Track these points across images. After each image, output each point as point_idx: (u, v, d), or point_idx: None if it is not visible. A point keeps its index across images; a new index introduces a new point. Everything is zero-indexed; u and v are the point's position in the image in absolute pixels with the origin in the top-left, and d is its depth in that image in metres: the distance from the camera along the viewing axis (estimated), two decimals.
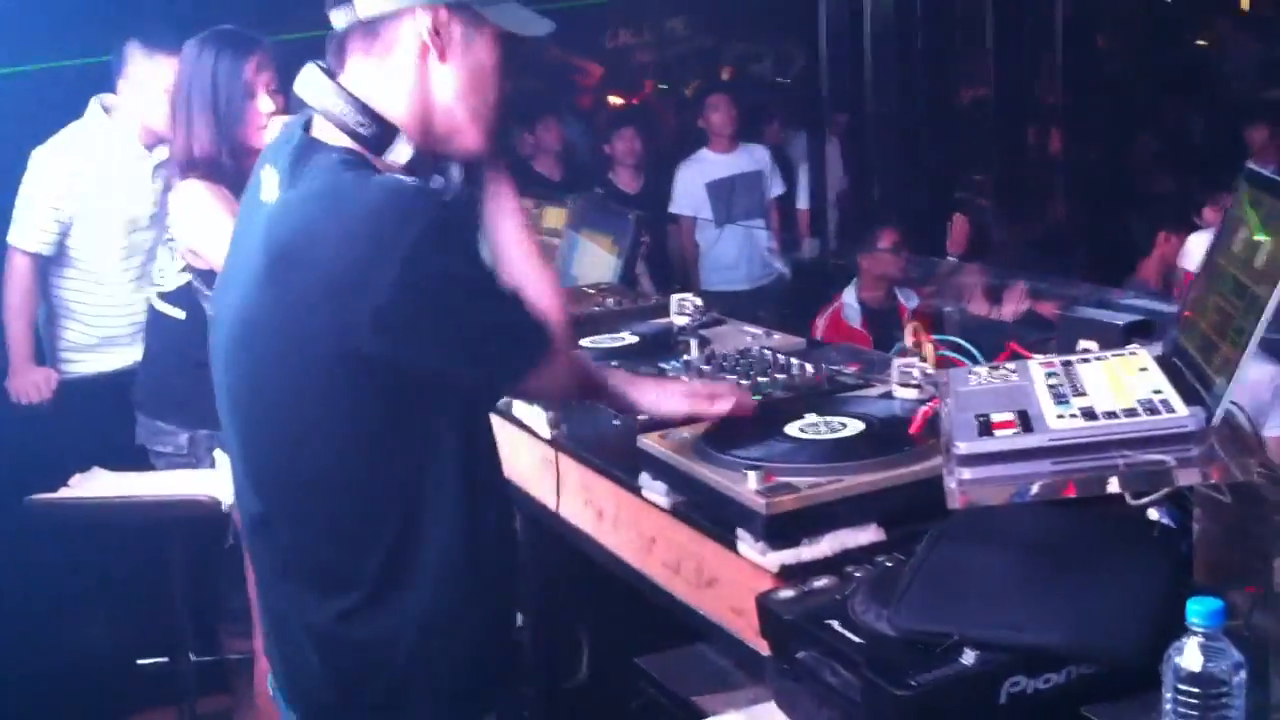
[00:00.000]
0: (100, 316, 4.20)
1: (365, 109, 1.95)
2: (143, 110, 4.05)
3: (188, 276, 3.48)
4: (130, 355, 4.08)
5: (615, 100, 9.86)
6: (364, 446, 1.95)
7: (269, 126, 3.06)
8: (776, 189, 6.97)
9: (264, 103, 3.13)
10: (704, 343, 2.98)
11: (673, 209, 6.92)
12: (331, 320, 1.85)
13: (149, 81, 3.98)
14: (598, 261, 4.10)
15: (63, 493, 3.66)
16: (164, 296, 3.75)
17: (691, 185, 6.92)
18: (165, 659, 3.88)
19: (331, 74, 2.00)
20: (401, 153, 1.97)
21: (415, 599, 1.99)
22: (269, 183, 1.98)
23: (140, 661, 3.98)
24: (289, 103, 3.17)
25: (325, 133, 1.98)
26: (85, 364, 4.26)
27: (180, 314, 3.70)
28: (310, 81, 2.00)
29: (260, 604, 2.22)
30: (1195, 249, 4.92)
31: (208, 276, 3.16)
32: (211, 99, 3.10)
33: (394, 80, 1.98)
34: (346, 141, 1.96)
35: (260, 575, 2.17)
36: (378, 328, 1.84)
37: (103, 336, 4.22)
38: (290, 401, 1.95)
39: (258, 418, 2.01)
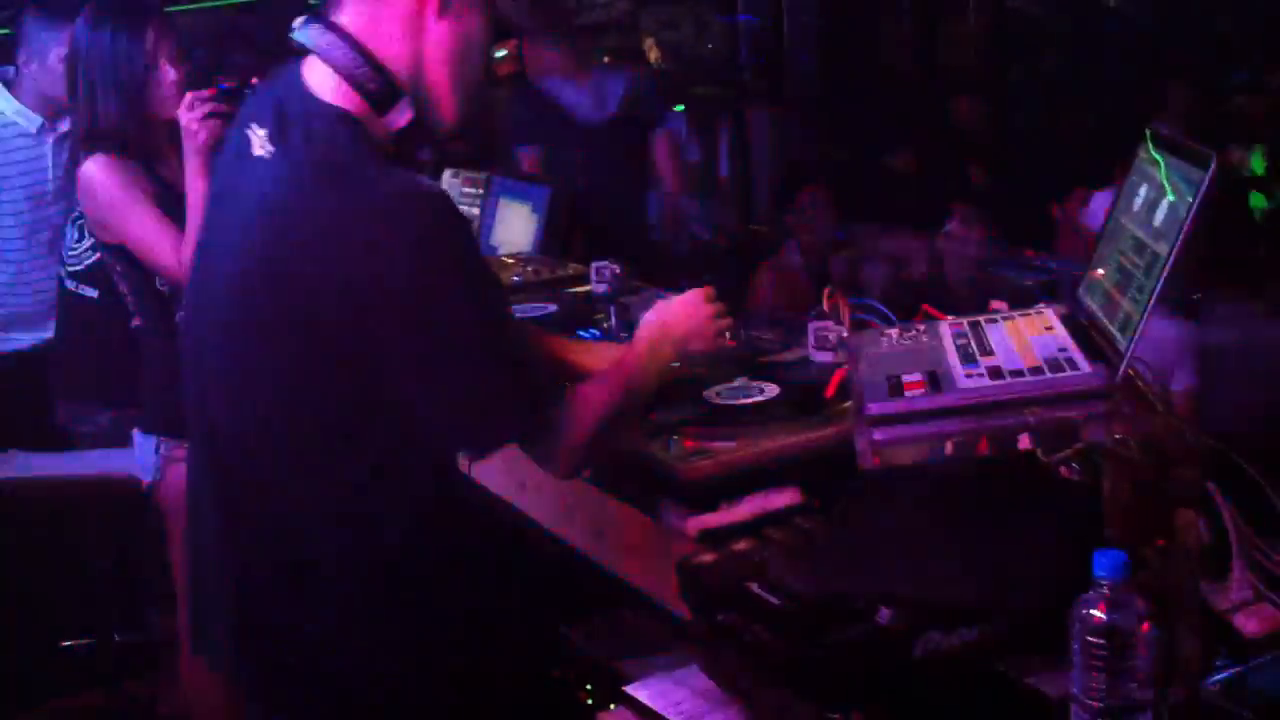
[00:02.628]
0: (10, 294, 4.13)
1: (372, 61, 1.85)
2: (43, 82, 3.98)
3: (97, 255, 3.43)
4: (42, 333, 4.02)
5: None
6: (332, 432, 1.86)
7: (174, 96, 3.01)
8: (691, 155, 6.97)
9: (167, 72, 3.08)
10: (622, 310, 2.98)
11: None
12: (329, 310, 1.77)
13: (49, 52, 3.91)
14: (516, 230, 4.09)
15: None
16: (75, 276, 3.70)
17: None
18: (90, 640, 3.84)
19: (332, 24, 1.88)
20: (402, 115, 1.89)
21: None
22: (256, 139, 1.87)
23: (64, 644, 3.93)
24: (193, 71, 3.13)
25: (322, 85, 1.87)
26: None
27: (93, 293, 3.65)
28: (313, 28, 1.88)
29: (237, 607, 2.02)
30: (1098, 208, 4.98)
31: (117, 251, 3.11)
32: (113, 71, 3.04)
33: (393, 34, 1.88)
34: (343, 97, 1.86)
35: (242, 571, 2.00)
36: (370, 337, 1.77)
37: (12, 314, 4.14)
38: (281, 368, 1.85)
39: (251, 381, 1.90)
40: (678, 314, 2.23)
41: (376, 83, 1.86)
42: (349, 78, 1.86)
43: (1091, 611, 1.49)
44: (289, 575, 1.94)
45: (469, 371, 1.84)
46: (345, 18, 1.88)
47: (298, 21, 1.91)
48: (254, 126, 1.90)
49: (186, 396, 2.04)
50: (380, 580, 1.93)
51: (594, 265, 3.30)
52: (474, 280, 1.85)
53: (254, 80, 3.06)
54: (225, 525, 1.99)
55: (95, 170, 3.05)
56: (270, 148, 1.86)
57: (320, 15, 1.90)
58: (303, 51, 1.91)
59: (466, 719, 2.04)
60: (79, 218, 3.52)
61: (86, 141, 3.09)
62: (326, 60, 1.87)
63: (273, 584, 1.95)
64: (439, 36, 1.90)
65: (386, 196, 1.78)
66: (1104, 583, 1.49)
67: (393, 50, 1.88)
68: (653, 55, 9.72)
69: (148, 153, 3.09)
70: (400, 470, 1.91)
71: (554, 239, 4.06)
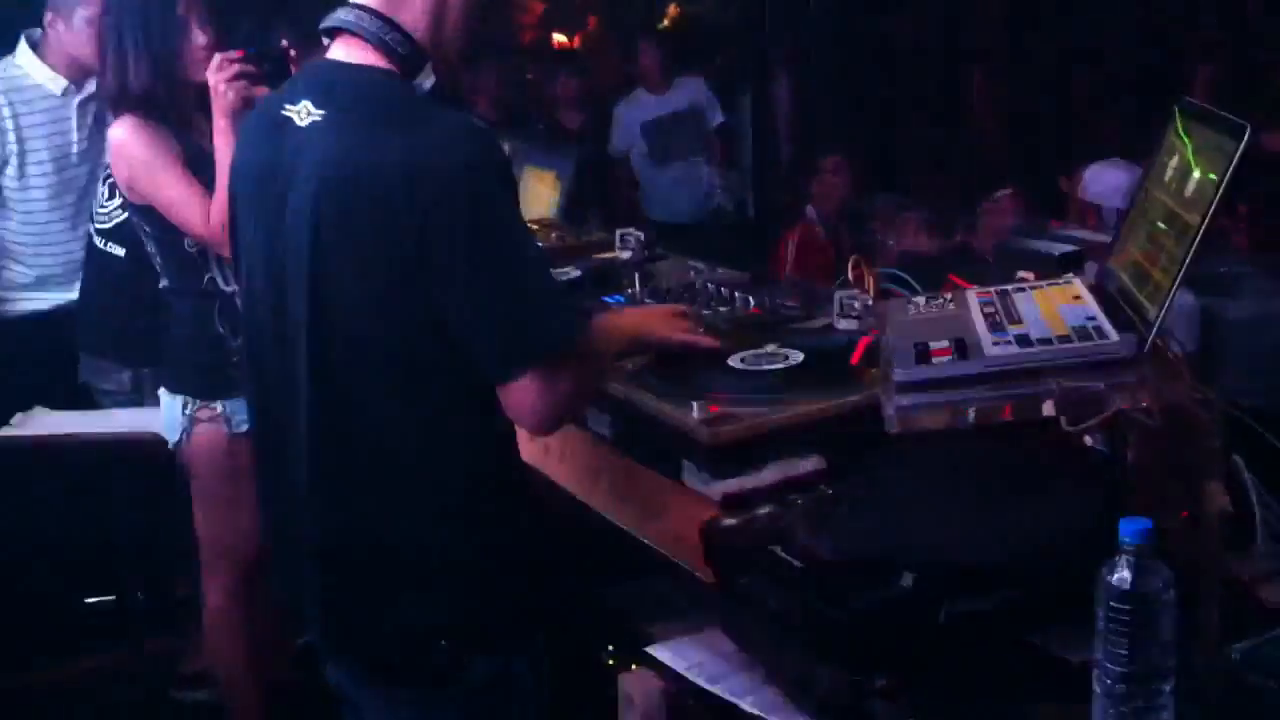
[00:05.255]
0: (36, 255, 4.15)
1: (400, 28, 1.96)
2: (69, 43, 3.99)
3: (126, 214, 3.44)
4: (68, 293, 4.04)
5: (558, 38, 9.79)
6: (410, 358, 1.96)
7: (203, 59, 3.02)
8: (715, 119, 6.95)
9: (197, 35, 3.08)
10: (647, 277, 2.99)
11: (611, 148, 6.92)
12: (393, 231, 1.87)
13: (75, 13, 3.92)
14: (541, 197, 4.10)
15: (4, 431, 3.63)
16: (102, 234, 3.72)
17: (629, 124, 6.92)
18: (112, 598, 3.87)
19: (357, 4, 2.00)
20: (428, 78, 1.98)
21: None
22: (297, 113, 1.98)
23: (87, 600, 3.96)
24: (219, 38, 3.13)
25: (356, 56, 1.98)
26: (24, 303, 4.21)
27: (120, 251, 3.66)
28: (340, 11, 2.00)
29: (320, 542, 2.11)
30: (1091, 181, 4.97)
31: (146, 213, 3.13)
32: (144, 34, 3.04)
33: (415, 3, 1.99)
34: (378, 61, 1.96)
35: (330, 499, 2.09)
36: (432, 249, 1.86)
37: (39, 275, 4.17)
38: (362, 301, 1.95)
39: (330, 335, 1.98)
40: (658, 322, 2.42)
41: (405, 47, 1.96)
42: (380, 44, 1.96)
43: (1117, 577, 1.50)
44: (378, 497, 2.04)
45: (509, 288, 1.91)
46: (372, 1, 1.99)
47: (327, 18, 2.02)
48: (289, 106, 2.00)
49: (250, 356, 2.15)
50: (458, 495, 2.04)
51: (619, 232, 3.31)
52: (518, 211, 1.96)
53: (284, 43, 3.08)
54: (316, 460, 2.05)
55: (125, 132, 3.06)
56: (318, 113, 1.96)
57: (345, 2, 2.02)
58: (332, 35, 2.02)
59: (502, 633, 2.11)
60: (109, 176, 3.53)
61: (116, 103, 3.09)
62: (358, 32, 1.97)
63: (362, 512, 2.05)
64: (458, 3, 2.02)
65: (444, 130, 1.90)
66: (1129, 549, 1.50)
67: (414, 18, 1.98)
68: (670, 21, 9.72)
69: (177, 115, 3.10)
70: (464, 402, 1.99)
71: (580, 205, 4.07)
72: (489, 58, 7.24)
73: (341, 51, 2.01)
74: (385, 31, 1.95)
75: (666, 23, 9.91)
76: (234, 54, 2.97)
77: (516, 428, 2.08)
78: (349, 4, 2.00)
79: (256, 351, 2.14)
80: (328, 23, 2.01)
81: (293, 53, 3.01)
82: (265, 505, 2.24)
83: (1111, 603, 1.50)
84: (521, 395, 1.94)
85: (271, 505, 2.22)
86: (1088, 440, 2.05)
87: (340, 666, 2.21)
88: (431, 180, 1.86)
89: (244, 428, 3.11)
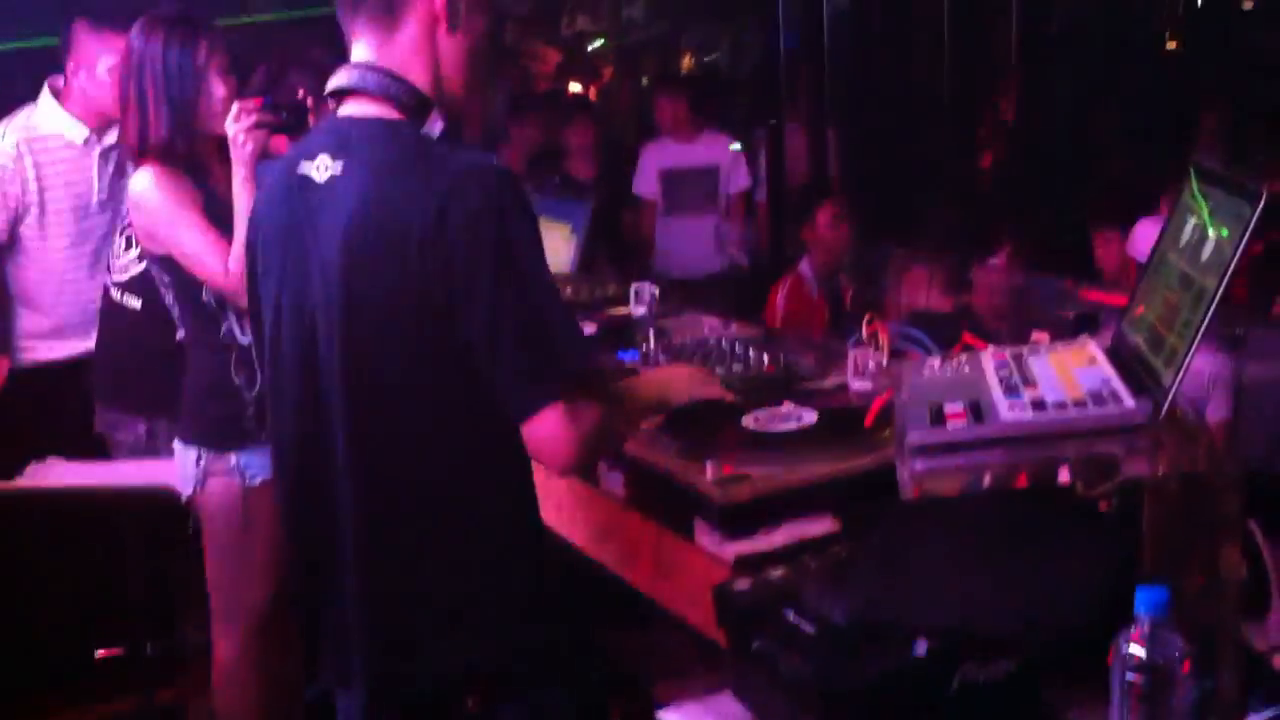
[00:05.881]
0: (54, 304, 4.17)
1: (401, 80, 2.03)
2: (92, 92, 4.02)
3: (143, 265, 3.46)
4: (85, 343, 4.05)
5: (573, 87, 9.84)
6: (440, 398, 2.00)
7: (222, 111, 3.04)
8: (740, 183, 6.92)
9: (217, 87, 3.11)
10: (661, 332, 2.99)
11: (635, 189, 6.91)
12: (420, 270, 1.92)
13: (97, 62, 3.95)
14: (555, 249, 4.10)
15: (18, 482, 3.63)
16: (119, 286, 3.73)
17: (647, 168, 6.91)
18: (122, 650, 3.86)
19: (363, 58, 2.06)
20: (436, 124, 2.03)
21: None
22: (316, 168, 2.03)
23: (98, 653, 3.95)
24: (239, 87, 3.16)
25: (366, 110, 2.05)
26: (41, 352, 4.23)
27: (136, 303, 3.67)
28: (342, 71, 2.06)
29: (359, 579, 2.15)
30: (1142, 238, 4.95)
31: (164, 263, 3.14)
32: (165, 84, 3.07)
33: (411, 55, 2.04)
34: (387, 114, 2.03)
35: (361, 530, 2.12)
36: (459, 287, 1.91)
37: (56, 324, 4.18)
38: (392, 347, 1.99)
39: (366, 383, 2.03)
40: (684, 384, 2.38)
41: (410, 96, 2.03)
42: (385, 96, 2.03)
43: (1132, 648, 1.49)
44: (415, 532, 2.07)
45: (533, 323, 1.95)
46: (369, 56, 2.06)
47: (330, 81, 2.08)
48: (305, 163, 2.06)
49: (281, 406, 2.17)
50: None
51: (633, 286, 3.31)
52: (540, 247, 1.99)
53: (301, 93, 3.10)
54: (360, 503, 2.08)
55: (145, 181, 3.08)
56: (337, 165, 2.02)
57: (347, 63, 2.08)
58: (339, 96, 2.08)
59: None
60: (127, 228, 3.55)
61: (137, 153, 3.12)
62: (363, 88, 2.04)
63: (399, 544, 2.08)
64: (451, 50, 2.07)
65: (464, 169, 1.95)
66: (1145, 619, 1.49)
67: (414, 70, 2.05)
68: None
69: (196, 165, 3.12)
70: (494, 448, 2.02)
71: (594, 258, 4.08)
72: (533, 108, 7.28)
73: (351, 107, 2.07)
74: (388, 84, 2.02)
75: (684, 71, 9.97)
76: (251, 103, 2.99)
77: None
78: (351, 64, 2.06)
79: (282, 406, 2.17)
80: (333, 85, 2.07)
81: (310, 102, 3.04)
82: (296, 552, 2.26)
83: (1126, 672, 1.49)
84: (545, 430, 1.96)
85: (302, 553, 2.23)
86: (1103, 504, 2.05)
87: (369, 711, 2.21)
88: (455, 218, 1.90)
89: (258, 480, 3.11)
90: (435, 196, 1.91)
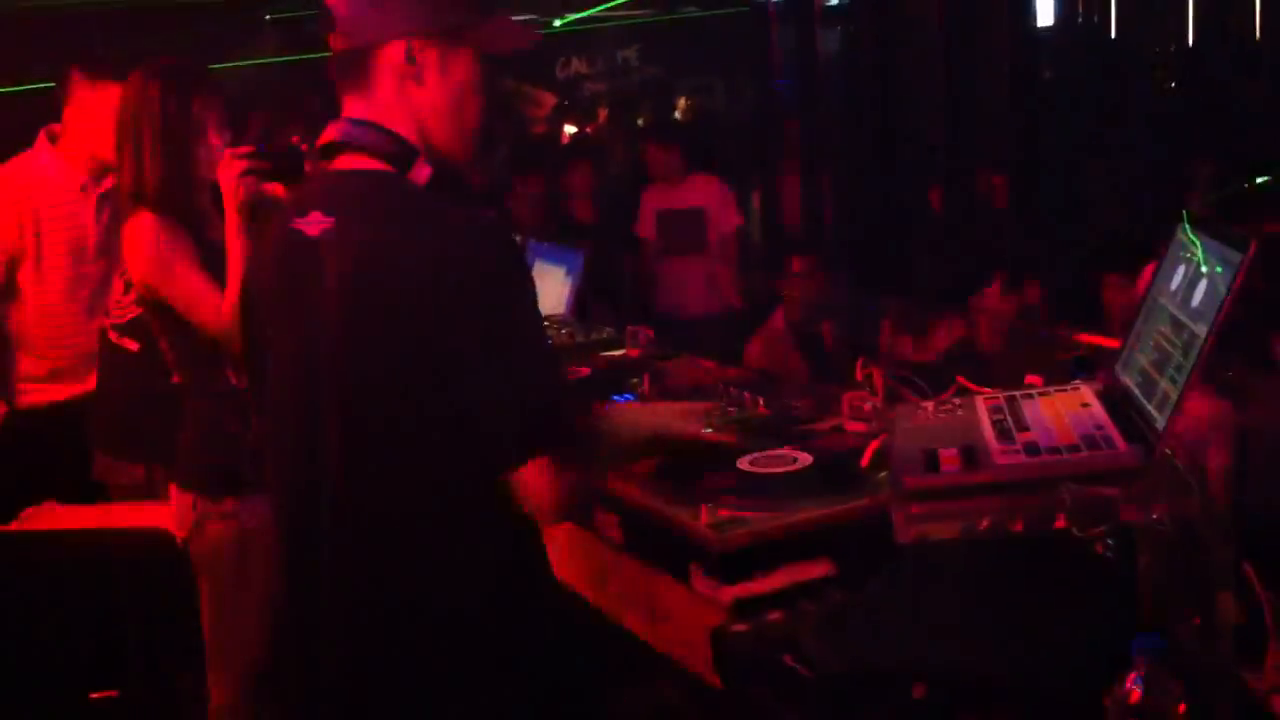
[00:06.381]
0: (50, 348, 4.18)
1: (386, 132, 2.04)
2: (89, 138, 4.04)
3: (140, 309, 3.47)
4: (82, 386, 4.06)
5: (569, 129, 9.90)
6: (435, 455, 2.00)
7: (218, 159, 3.06)
8: (730, 221, 6.99)
9: (214, 136, 3.13)
10: (657, 375, 3.00)
11: (637, 230, 6.99)
12: (412, 326, 1.93)
13: (94, 109, 3.98)
14: (550, 293, 4.12)
15: (15, 526, 3.63)
16: (118, 329, 3.74)
17: (648, 210, 6.99)
18: (116, 692, 3.84)
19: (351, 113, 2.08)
20: (422, 171, 2.04)
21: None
22: (308, 223, 2.03)
23: (93, 696, 3.94)
24: (237, 135, 3.18)
25: (353, 163, 2.06)
26: (38, 395, 4.23)
27: (134, 346, 3.68)
28: (330, 127, 2.08)
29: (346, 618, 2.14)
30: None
31: (159, 309, 3.15)
32: (162, 133, 3.09)
33: (390, 109, 2.05)
34: (373, 165, 2.04)
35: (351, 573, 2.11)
36: (451, 339, 1.91)
37: (54, 368, 4.19)
38: (387, 401, 1.99)
39: (363, 432, 2.02)
40: (674, 419, 2.42)
41: (392, 146, 2.03)
42: (368, 148, 2.04)
43: (1128, 693, 1.49)
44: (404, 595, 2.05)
45: (523, 375, 1.95)
46: (355, 110, 2.07)
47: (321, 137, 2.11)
48: (298, 219, 2.05)
49: (280, 455, 2.17)
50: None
51: (628, 330, 3.33)
52: (532, 299, 2.00)
53: (294, 139, 3.12)
54: (348, 562, 2.08)
55: (140, 228, 3.09)
56: (327, 221, 2.02)
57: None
58: (330, 155, 2.09)
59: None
60: (124, 272, 3.56)
61: (132, 200, 3.13)
62: (348, 141, 2.05)
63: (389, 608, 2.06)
64: (429, 100, 2.06)
65: (455, 225, 1.96)
66: (1141, 664, 1.49)
67: (398, 122, 2.05)
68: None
69: (193, 214, 3.13)
70: (490, 498, 2.00)
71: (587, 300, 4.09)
72: (583, 156, 7.34)
73: (341, 164, 2.08)
74: (373, 137, 2.03)
75: (678, 115, 10.03)
76: (242, 149, 3.01)
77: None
78: (340, 119, 2.08)
79: (281, 456, 2.17)
80: (323, 141, 2.09)
81: (305, 149, 3.05)
82: (289, 603, 2.24)
83: (1124, 718, 1.49)
84: (533, 481, 1.96)
85: (296, 604, 2.21)
86: (1098, 548, 2.05)
87: None
88: (448, 277, 1.90)
89: (254, 524, 3.11)
90: (428, 254, 1.92)
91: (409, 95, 2.05)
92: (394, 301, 1.94)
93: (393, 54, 2.03)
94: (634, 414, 2.54)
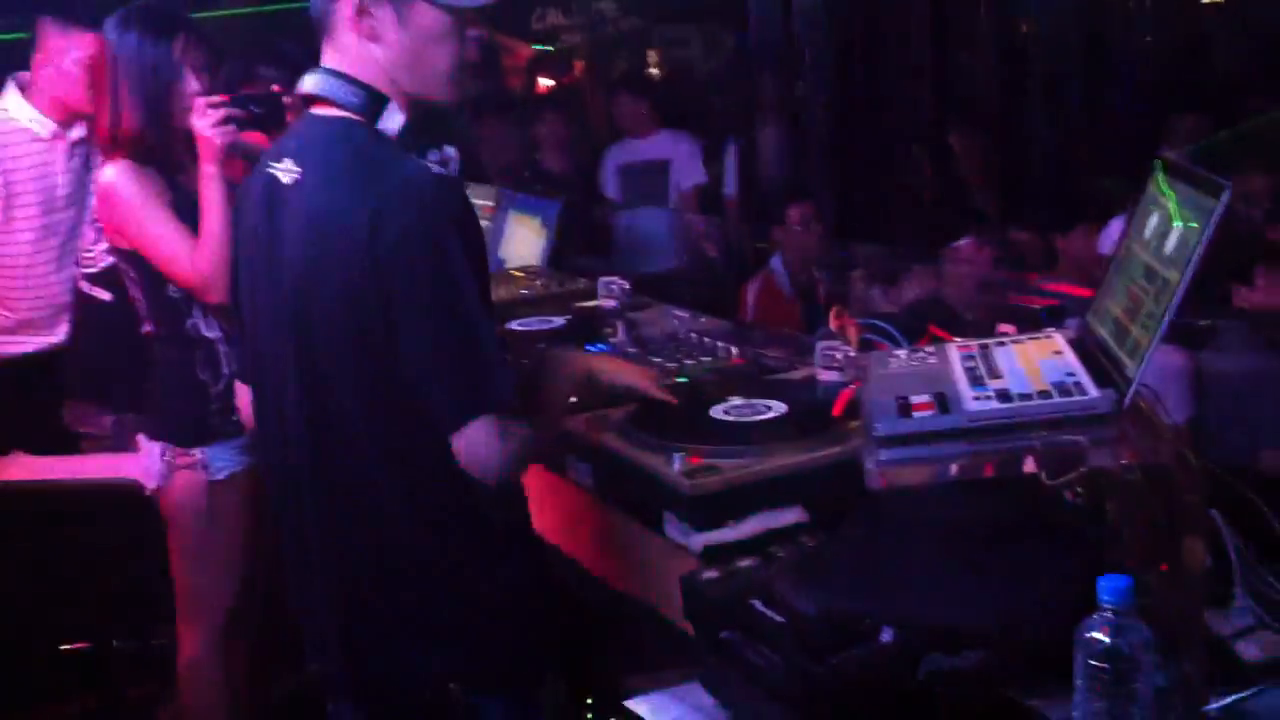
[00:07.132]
0: (19, 299, 4.14)
1: (354, 82, 2.08)
2: (58, 86, 4.00)
3: (112, 258, 3.44)
4: (50, 337, 4.03)
5: (544, 82, 9.83)
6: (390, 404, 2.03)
7: (194, 106, 3.02)
8: (693, 178, 6.96)
9: (191, 82, 3.08)
10: (631, 325, 2.99)
11: (603, 191, 6.96)
12: (357, 279, 1.96)
13: (63, 57, 3.93)
14: (526, 244, 4.11)
15: None
16: (89, 278, 3.71)
17: (609, 168, 6.97)
18: (89, 644, 3.83)
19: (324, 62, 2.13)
20: (393, 120, 2.08)
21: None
22: (282, 171, 2.09)
23: (64, 647, 3.93)
24: (222, 83, 3.15)
25: (326, 112, 2.11)
26: (6, 347, 4.19)
27: (106, 295, 3.65)
28: (308, 77, 2.13)
29: (332, 595, 2.19)
30: (1113, 234, 4.97)
31: (130, 257, 3.12)
32: (139, 78, 3.04)
33: (357, 59, 2.09)
34: (344, 113, 2.08)
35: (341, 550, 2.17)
36: (390, 297, 1.94)
37: (22, 319, 4.15)
38: (342, 354, 2.03)
39: (329, 370, 2.06)
40: (610, 363, 2.47)
41: (359, 96, 2.08)
42: (337, 98, 2.09)
43: (1095, 636, 1.50)
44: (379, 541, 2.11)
45: (458, 338, 1.97)
46: (327, 60, 2.13)
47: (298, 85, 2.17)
48: (274, 165, 2.12)
49: (260, 403, 2.23)
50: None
51: (601, 280, 3.31)
52: (474, 260, 2.00)
53: (275, 89, 3.08)
54: (323, 508, 2.14)
55: (115, 176, 3.05)
56: (297, 170, 2.08)
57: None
58: (308, 104, 2.16)
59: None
60: (96, 220, 3.53)
61: (107, 146, 3.09)
62: (320, 92, 2.11)
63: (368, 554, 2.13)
64: (392, 50, 2.09)
65: (404, 180, 1.98)
66: (1108, 608, 1.50)
67: (364, 70, 2.10)
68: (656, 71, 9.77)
69: (168, 161, 3.09)
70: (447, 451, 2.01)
71: (566, 251, 4.08)
72: (555, 108, 7.32)
73: (316, 111, 2.14)
74: (339, 87, 2.08)
75: (654, 69, 9.97)
76: (218, 98, 2.97)
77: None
78: (315, 68, 2.13)
79: (264, 403, 2.22)
80: (299, 90, 2.15)
81: (286, 99, 3.01)
82: (285, 545, 2.28)
83: (1090, 660, 1.50)
84: (474, 442, 1.98)
85: (289, 546, 2.26)
86: (1068, 495, 2.06)
87: (354, 711, 2.25)
88: (388, 232, 1.93)
89: (223, 475, 3.10)
90: (370, 208, 1.95)
91: (370, 46, 2.08)
92: (339, 253, 1.98)
93: (346, 8, 2.06)
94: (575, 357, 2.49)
